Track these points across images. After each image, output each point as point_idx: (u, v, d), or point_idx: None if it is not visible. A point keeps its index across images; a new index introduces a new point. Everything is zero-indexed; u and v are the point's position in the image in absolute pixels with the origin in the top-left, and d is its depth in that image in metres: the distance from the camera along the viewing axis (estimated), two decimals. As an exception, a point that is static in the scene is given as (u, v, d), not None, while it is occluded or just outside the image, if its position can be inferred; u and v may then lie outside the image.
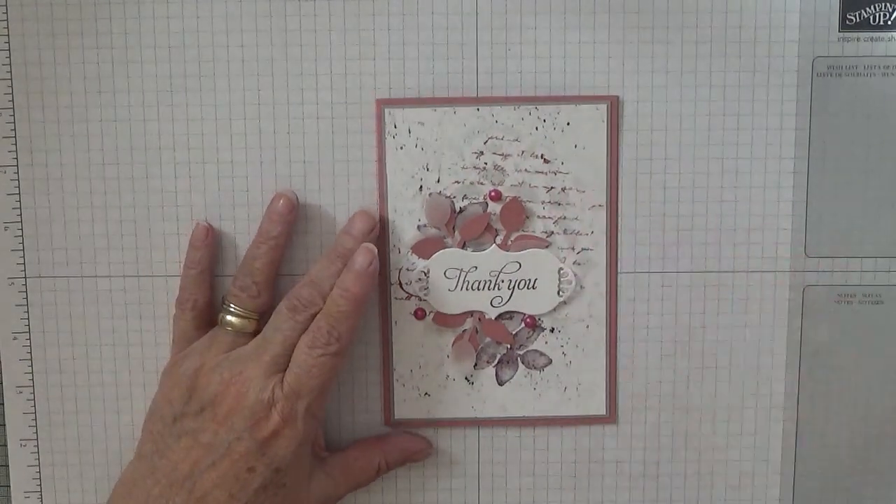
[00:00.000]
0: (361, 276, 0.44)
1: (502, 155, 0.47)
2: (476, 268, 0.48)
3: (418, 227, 0.48)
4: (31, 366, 0.49)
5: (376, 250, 0.45)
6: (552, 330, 0.48)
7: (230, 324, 0.46)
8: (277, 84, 0.47)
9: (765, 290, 0.48)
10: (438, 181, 0.47)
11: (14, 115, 0.48)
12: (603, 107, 0.47)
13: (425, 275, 0.48)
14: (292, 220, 0.47)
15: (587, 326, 0.48)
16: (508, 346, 0.49)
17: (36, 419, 0.50)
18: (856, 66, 0.46)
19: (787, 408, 0.49)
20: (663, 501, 0.50)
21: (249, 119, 0.48)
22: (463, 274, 0.48)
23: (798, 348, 0.48)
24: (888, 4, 0.46)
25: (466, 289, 0.48)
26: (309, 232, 0.48)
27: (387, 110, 0.47)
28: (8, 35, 0.47)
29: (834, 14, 0.46)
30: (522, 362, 0.49)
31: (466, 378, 0.49)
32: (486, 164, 0.47)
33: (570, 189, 0.47)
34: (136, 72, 0.47)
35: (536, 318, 0.48)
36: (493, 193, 0.47)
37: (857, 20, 0.46)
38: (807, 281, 0.48)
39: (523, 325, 0.48)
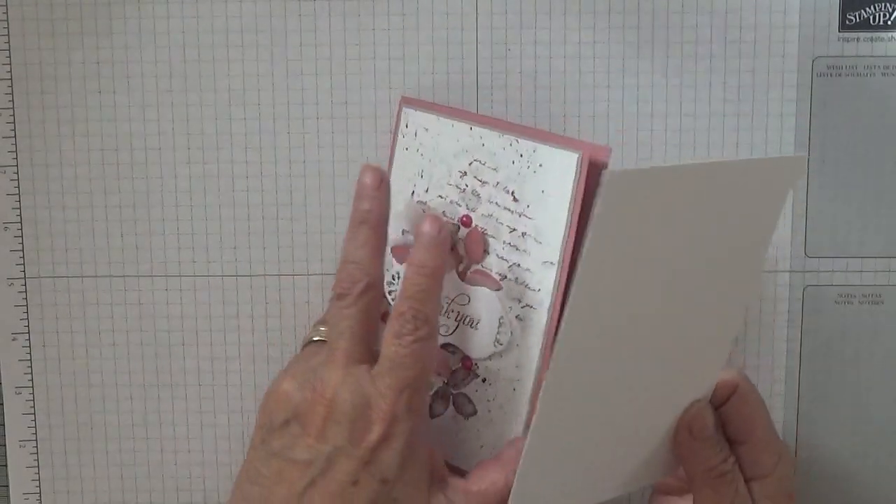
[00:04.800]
0: (432, 247, 0.39)
1: (481, 181, 0.43)
2: None
3: (402, 231, 0.45)
4: (31, 366, 0.49)
5: (441, 215, 0.41)
6: (484, 380, 0.43)
7: (317, 335, 0.42)
8: (277, 84, 0.47)
9: (765, 290, 0.48)
10: (427, 191, 0.44)
11: (14, 115, 0.48)
12: (575, 156, 0.40)
13: (395, 278, 0.45)
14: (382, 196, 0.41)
15: (514, 389, 0.43)
16: (445, 381, 0.44)
17: (35, 420, 0.50)
18: (856, 66, 0.46)
19: (788, 407, 0.49)
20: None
21: (249, 119, 0.48)
22: None
23: (798, 348, 0.48)
24: (888, 4, 0.46)
25: None
26: (308, 232, 0.48)
27: (405, 110, 0.46)
28: (8, 35, 0.47)
29: (834, 14, 0.46)
30: (453, 404, 0.44)
31: None
32: (466, 185, 0.43)
33: (530, 236, 0.41)
34: (136, 72, 0.47)
35: (473, 363, 0.43)
36: (464, 218, 0.43)
37: (857, 20, 0.46)
38: (807, 281, 0.48)
39: (461, 365, 0.44)
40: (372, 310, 0.40)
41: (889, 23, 0.46)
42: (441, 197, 0.44)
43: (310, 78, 0.47)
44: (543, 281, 0.41)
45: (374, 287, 0.40)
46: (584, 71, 0.47)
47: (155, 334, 0.49)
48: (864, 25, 0.46)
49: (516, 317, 0.42)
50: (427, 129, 0.45)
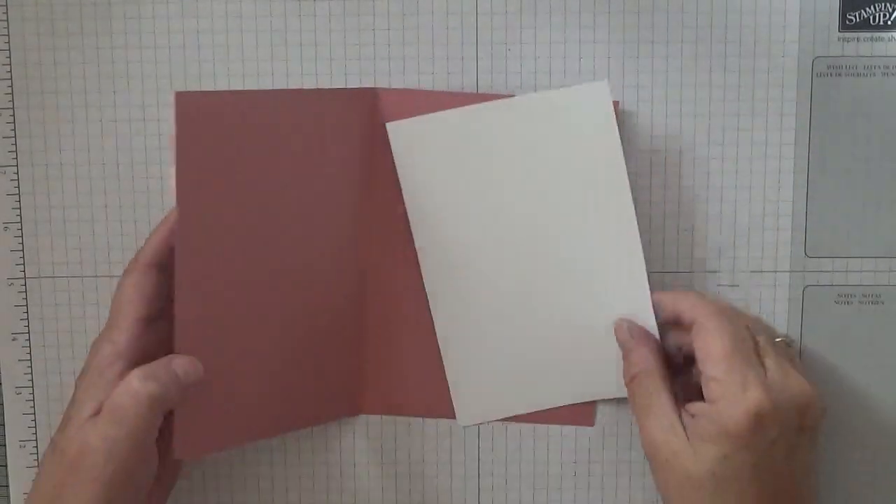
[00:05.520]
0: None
1: None
2: None
3: None
4: (31, 366, 0.49)
5: None
6: None
7: None
8: (277, 84, 0.47)
9: (765, 290, 0.48)
10: None
11: (14, 115, 0.48)
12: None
13: None
14: None
15: None
16: None
17: (35, 420, 0.50)
18: (856, 66, 0.46)
19: (788, 408, 0.49)
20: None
21: (249, 119, 0.48)
22: None
23: (798, 348, 0.48)
24: (888, 4, 0.46)
25: None
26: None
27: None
28: (8, 35, 0.47)
29: (834, 14, 0.46)
30: None
31: None
32: None
33: None
34: (136, 72, 0.47)
35: None
36: None
37: (857, 20, 0.46)
38: (807, 281, 0.48)
39: None
40: None
41: (889, 23, 0.46)
42: None
43: (310, 78, 0.47)
44: None
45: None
46: (584, 71, 0.47)
47: (155, 334, 0.49)
48: (864, 25, 0.46)
49: None
50: None
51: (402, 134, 0.46)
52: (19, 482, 0.50)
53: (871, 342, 0.48)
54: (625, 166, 0.45)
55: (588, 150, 0.45)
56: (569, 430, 0.49)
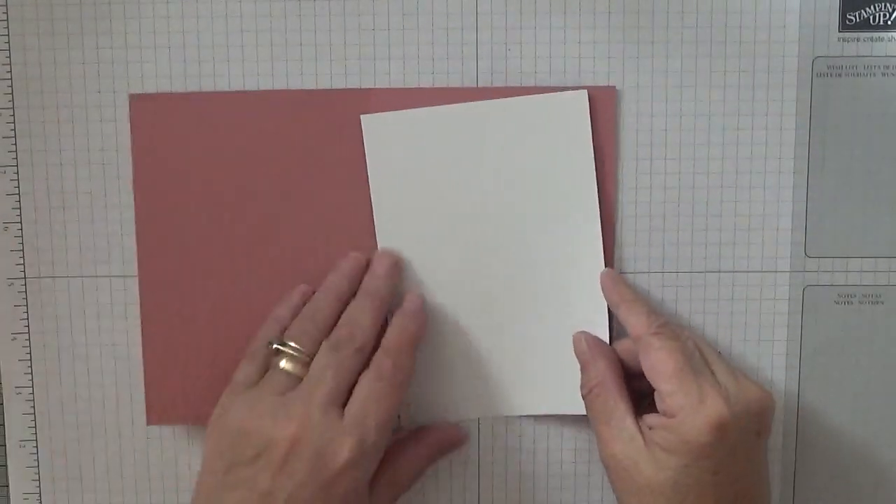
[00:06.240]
0: (416, 316, 0.46)
1: None
2: None
3: None
4: (31, 366, 0.49)
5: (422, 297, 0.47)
6: None
7: (286, 369, 0.43)
8: (277, 84, 0.47)
9: (765, 290, 0.48)
10: None
11: (14, 115, 0.48)
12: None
13: None
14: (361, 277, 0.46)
15: None
16: None
17: (35, 420, 0.50)
18: (856, 66, 0.46)
19: (787, 408, 0.49)
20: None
21: (249, 119, 0.48)
22: None
23: (798, 348, 0.48)
24: (888, 4, 0.46)
25: None
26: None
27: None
28: (8, 35, 0.47)
29: (834, 14, 0.46)
30: None
31: None
32: None
33: None
34: (136, 72, 0.47)
35: None
36: None
37: (857, 20, 0.46)
38: (807, 281, 0.48)
39: None
40: (352, 362, 0.43)
41: (889, 23, 0.46)
42: None
43: (310, 78, 0.47)
44: None
45: (358, 345, 0.43)
46: (584, 71, 0.47)
47: (155, 334, 0.49)
48: (864, 25, 0.46)
49: None
50: None
51: (376, 126, 0.46)
52: (19, 482, 0.50)
53: (871, 342, 0.48)
54: (595, 178, 0.46)
55: (560, 158, 0.46)
56: (569, 430, 0.49)
